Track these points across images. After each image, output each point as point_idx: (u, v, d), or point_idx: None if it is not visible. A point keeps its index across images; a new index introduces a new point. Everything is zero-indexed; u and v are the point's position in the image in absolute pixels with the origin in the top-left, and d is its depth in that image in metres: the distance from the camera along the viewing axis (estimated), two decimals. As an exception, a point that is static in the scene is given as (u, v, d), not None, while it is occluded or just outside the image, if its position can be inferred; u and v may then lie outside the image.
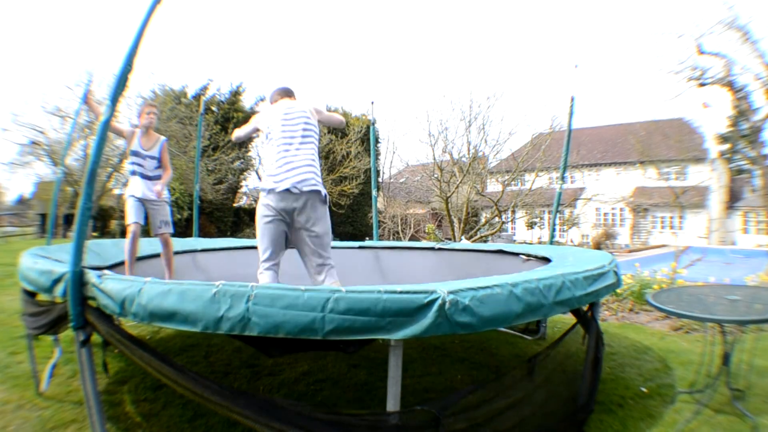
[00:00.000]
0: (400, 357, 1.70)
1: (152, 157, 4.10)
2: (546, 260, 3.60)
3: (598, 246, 20.74)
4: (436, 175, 14.28)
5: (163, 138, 4.23)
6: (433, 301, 1.64)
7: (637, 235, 25.13)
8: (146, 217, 4.06)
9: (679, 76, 9.84)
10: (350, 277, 3.71)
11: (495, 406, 1.94)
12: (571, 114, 5.46)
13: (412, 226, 20.99)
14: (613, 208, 25.81)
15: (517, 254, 4.39)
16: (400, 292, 1.65)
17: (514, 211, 19.76)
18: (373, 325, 1.62)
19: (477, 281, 1.88)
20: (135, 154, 4.04)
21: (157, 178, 4.11)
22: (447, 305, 1.65)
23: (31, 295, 2.75)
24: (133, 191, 3.99)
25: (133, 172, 4.07)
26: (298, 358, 3.58)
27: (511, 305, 1.83)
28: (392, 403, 1.69)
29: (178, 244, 5.03)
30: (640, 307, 5.31)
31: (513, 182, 14.56)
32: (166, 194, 4.18)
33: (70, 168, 18.56)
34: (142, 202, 4.01)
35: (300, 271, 2.96)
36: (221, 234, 19.14)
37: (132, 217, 3.92)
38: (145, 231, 4.04)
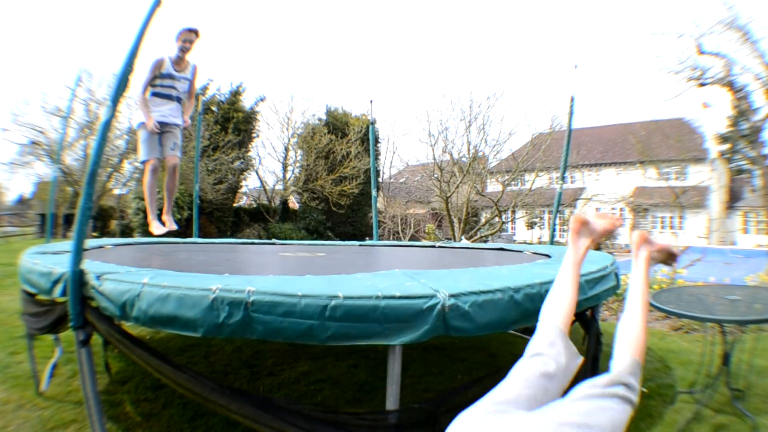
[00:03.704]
0: (399, 357, 1.70)
1: (186, 79, 3.92)
2: (547, 257, 3.60)
3: (597, 246, 20.70)
4: (436, 175, 14.30)
5: (194, 64, 3.99)
6: (432, 307, 1.63)
7: (637, 235, 25.08)
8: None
9: (679, 76, 9.84)
10: (353, 261, 3.72)
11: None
12: (571, 114, 5.46)
13: (412, 226, 21.01)
14: (613, 208, 25.79)
15: (520, 252, 4.40)
16: (399, 297, 1.64)
17: (514, 211, 19.77)
18: (371, 331, 1.61)
19: (479, 282, 1.87)
20: (166, 76, 3.80)
21: (179, 103, 3.93)
22: (447, 310, 1.64)
23: (31, 295, 2.75)
24: (152, 113, 3.72)
25: (160, 94, 3.81)
26: (298, 358, 3.58)
27: (509, 312, 1.82)
28: (392, 402, 1.69)
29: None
30: (640, 307, 5.31)
31: (513, 182, 14.57)
32: (189, 121, 4.07)
33: (70, 168, 18.56)
34: (160, 125, 3.76)
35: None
36: (221, 234, 19.14)
37: (149, 152, 3.73)
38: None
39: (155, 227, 3.84)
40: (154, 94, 3.82)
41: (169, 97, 3.83)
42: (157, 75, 3.76)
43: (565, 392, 1.26)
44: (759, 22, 12.10)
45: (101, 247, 4.04)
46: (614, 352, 1.43)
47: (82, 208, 2.01)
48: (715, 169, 23.69)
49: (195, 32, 3.79)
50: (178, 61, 3.83)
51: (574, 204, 24.85)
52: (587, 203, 24.26)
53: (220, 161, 18.92)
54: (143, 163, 3.85)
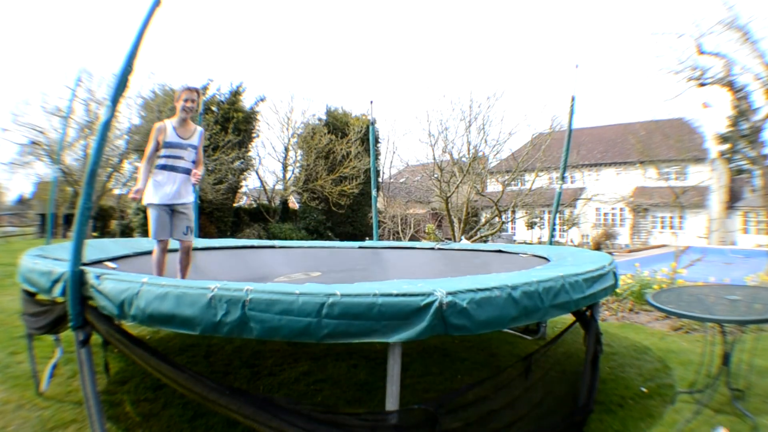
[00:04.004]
0: (399, 357, 1.70)
1: (193, 147, 3.54)
2: (545, 260, 3.60)
3: (598, 246, 20.74)
4: (436, 175, 14.28)
5: (200, 128, 3.68)
6: (430, 304, 1.63)
7: (637, 235, 25.14)
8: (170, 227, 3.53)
9: (679, 76, 9.83)
10: (350, 278, 3.71)
11: (492, 403, 1.94)
12: (571, 114, 5.46)
13: (412, 226, 21.00)
14: (613, 208, 25.81)
15: (516, 253, 4.39)
16: (396, 295, 1.63)
17: (514, 211, 19.78)
18: (369, 328, 1.61)
19: (477, 282, 1.87)
20: (171, 145, 3.45)
21: (188, 176, 3.56)
22: (444, 307, 1.63)
23: (31, 294, 2.75)
24: (160, 192, 3.40)
25: (165, 167, 3.47)
26: (298, 358, 3.58)
27: (508, 309, 1.82)
28: (391, 403, 1.69)
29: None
30: (640, 307, 5.31)
31: (513, 182, 14.57)
32: (195, 194, 3.72)
33: (70, 168, 18.56)
34: (170, 206, 3.46)
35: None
36: (221, 234, 19.13)
37: (159, 232, 3.40)
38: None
39: None
40: (160, 167, 3.49)
41: (175, 170, 3.49)
42: (160, 144, 3.46)
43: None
44: (759, 22, 12.10)
45: (100, 261, 3.90)
46: None
47: (82, 208, 2.01)
48: (715, 169, 23.69)
49: (196, 91, 3.54)
50: (182, 126, 3.53)
51: (574, 204, 24.87)
52: (587, 203, 24.29)
53: (220, 161, 18.93)
54: (156, 240, 3.50)
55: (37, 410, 2.59)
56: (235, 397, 1.74)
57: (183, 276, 3.67)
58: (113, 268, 3.74)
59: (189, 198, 3.60)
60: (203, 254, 5.24)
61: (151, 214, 3.48)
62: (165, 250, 3.51)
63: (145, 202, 3.54)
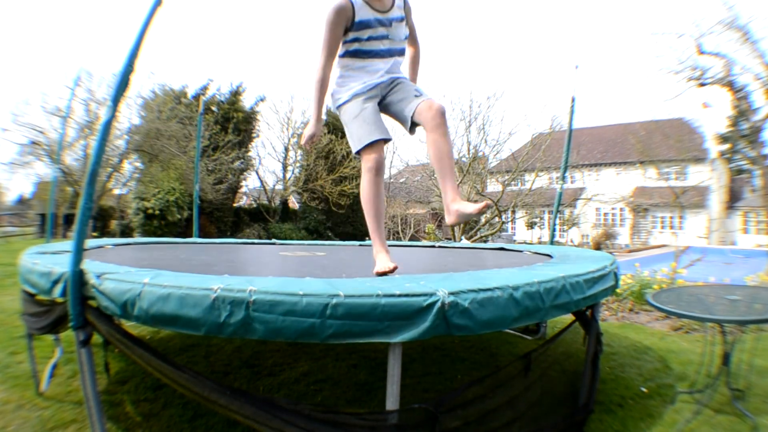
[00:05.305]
0: (400, 357, 1.70)
1: (400, 19, 2.38)
2: (549, 257, 3.60)
3: (598, 246, 20.75)
4: (436, 175, 14.30)
5: None
6: (432, 304, 1.64)
7: (637, 235, 25.15)
8: None
9: (679, 76, 9.85)
10: (352, 260, 3.73)
11: (491, 401, 1.94)
12: (571, 114, 5.47)
13: (412, 226, 21.01)
14: (613, 208, 25.83)
15: (520, 251, 4.40)
16: (399, 295, 1.64)
17: (514, 211, 19.79)
18: (372, 329, 1.62)
19: (478, 281, 1.87)
20: (365, 25, 2.28)
21: (400, 57, 2.47)
22: (446, 307, 1.64)
23: (31, 294, 2.75)
24: (359, 81, 2.36)
25: (365, 52, 2.34)
26: (298, 358, 3.59)
27: (509, 309, 1.83)
28: (391, 402, 1.69)
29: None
30: (640, 307, 5.31)
31: (513, 182, 14.59)
32: None
33: (70, 168, 18.57)
34: (378, 89, 2.38)
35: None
36: (221, 234, 19.14)
37: (370, 131, 2.25)
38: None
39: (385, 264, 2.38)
40: (354, 54, 2.36)
41: (378, 55, 2.36)
42: (348, 28, 2.29)
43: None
44: (759, 22, 12.15)
45: (101, 246, 4.04)
46: None
47: (82, 208, 2.00)
48: (715, 169, 23.71)
49: None
50: None
51: (574, 204, 24.90)
52: (587, 203, 24.31)
53: (220, 161, 18.93)
54: (359, 153, 2.30)
55: (37, 410, 2.59)
56: (236, 397, 1.74)
57: (450, 180, 2.40)
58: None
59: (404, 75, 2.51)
60: (207, 246, 5.24)
61: (349, 112, 2.32)
62: (380, 170, 2.35)
63: (333, 105, 2.50)
